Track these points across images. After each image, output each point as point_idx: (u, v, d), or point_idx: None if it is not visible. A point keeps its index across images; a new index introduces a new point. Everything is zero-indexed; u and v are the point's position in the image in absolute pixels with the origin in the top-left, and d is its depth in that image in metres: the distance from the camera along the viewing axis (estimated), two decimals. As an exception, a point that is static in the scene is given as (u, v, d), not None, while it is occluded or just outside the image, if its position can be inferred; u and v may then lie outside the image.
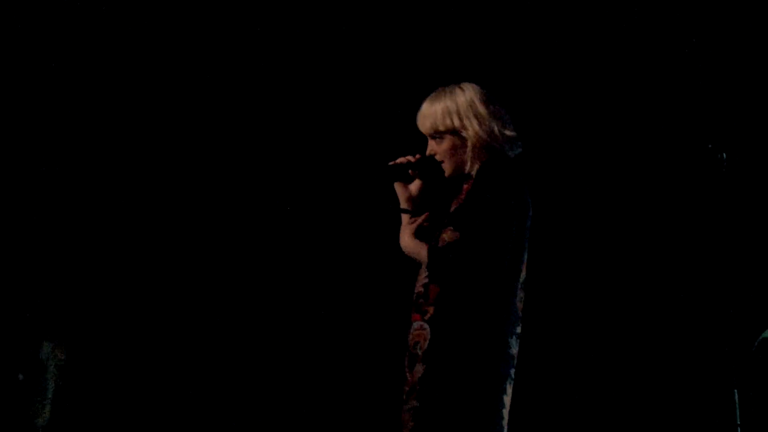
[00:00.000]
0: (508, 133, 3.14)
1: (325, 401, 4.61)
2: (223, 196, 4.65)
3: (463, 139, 3.14)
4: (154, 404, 4.52)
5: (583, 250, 4.66)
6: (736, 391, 3.96)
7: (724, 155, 4.00)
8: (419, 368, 3.00)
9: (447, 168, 3.16)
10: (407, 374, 3.04)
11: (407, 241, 3.14)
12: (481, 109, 3.13)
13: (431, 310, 3.03)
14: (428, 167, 3.15)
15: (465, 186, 3.17)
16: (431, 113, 3.16)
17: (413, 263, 3.14)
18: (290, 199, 4.67)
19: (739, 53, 4.53)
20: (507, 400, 3.00)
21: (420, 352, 3.02)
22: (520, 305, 3.08)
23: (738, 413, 3.92)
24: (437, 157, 3.16)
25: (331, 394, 4.61)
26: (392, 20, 4.64)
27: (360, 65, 4.67)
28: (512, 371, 3.03)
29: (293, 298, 4.66)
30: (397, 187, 3.19)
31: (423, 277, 3.10)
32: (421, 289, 3.07)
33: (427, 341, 3.02)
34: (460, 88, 3.17)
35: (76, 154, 4.55)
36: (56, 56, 4.53)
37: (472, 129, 3.11)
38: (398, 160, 3.15)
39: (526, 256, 3.11)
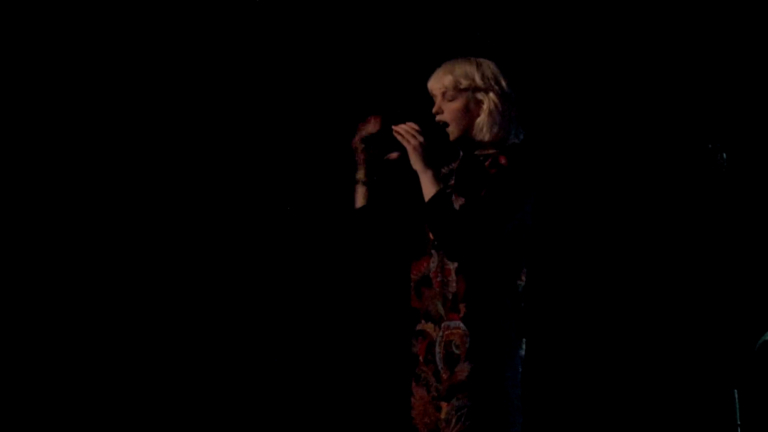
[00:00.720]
0: (516, 116, 3.13)
1: (325, 400, 4.61)
2: (222, 196, 4.65)
3: (479, 103, 3.09)
4: (154, 404, 4.52)
5: (583, 251, 4.66)
6: (736, 391, 3.97)
7: (724, 155, 4.00)
8: (465, 366, 2.99)
9: (453, 131, 3.10)
10: (442, 372, 3.02)
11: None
12: (504, 82, 3.11)
13: (463, 307, 3.02)
14: (431, 130, 3.07)
15: (485, 162, 3.10)
16: (452, 71, 3.10)
17: (413, 260, 3.13)
18: (290, 198, 4.67)
19: (739, 53, 4.53)
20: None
21: (459, 351, 3.00)
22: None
23: (738, 413, 3.92)
24: (443, 117, 3.10)
25: (332, 393, 4.61)
26: (391, 17, 4.65)
27: (356, 64, 4.67)
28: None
29: (293, 296, 4.65)
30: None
31: (436, 269, 3.08)
32: (455, 287, 3.04)
33: (467, 339, 3.00)
34: (484, 60, 3.14)
35: (76, 154, 4.55)
36: (56, 56, 4.53)
37: (493, 93, 3.08)
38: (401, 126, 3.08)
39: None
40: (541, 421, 3.40)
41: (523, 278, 3.06)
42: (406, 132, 3.03)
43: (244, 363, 4.60)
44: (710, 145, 4.05)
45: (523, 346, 3.05)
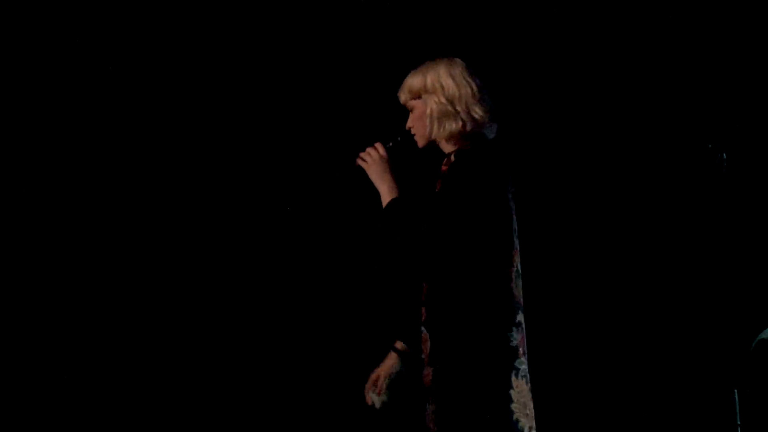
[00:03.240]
0: (476, 109, 3.14)
1: (326, 401, 4.61)
2: (222, 196, 4.65)
3: (428, 106, 3.17)
4: (154, 404, 4.52)
5: (583, 250, 4.66)
6: (736, 391, 3.96)
7: (724, 155, 4.00)
8: (428, 371, 3.01)
9: (419, 139, 3.19)
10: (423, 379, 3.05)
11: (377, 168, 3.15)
12: (450, 80, 3.15)
13: (424, 311, 3.04)
14: (400, 146, 3.17)
15: (443, 167, 3.16)
16: (405, 83, 3.22)
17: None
18: (290, 198, 4.67)
19: (739, 53, 4.53)
20: (515, 393, 2.98)
21: (424, 356, 3.03)
22: (517, 293, 3.06)
23: (738, 413, 3.92)
24: (412, 130, 3.19)
25: (333, 394, 4.60)
26: (391, 18, 4.65)
27: (357, 65, 4.67)
28: (518, 363, 3.01)
29: (293, 298, 4.65)
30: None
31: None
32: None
33: (428, 343, 3.03)
34: (436, 61, 3.21)
35: (76, 154, 4.55)
36: (56, 56, 4.53)
37: (437, 94, 3.14)
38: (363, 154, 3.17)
39: (517, 244, 3.10)
40: (540, 421, 3.40)
41: (512, 272, 3.05)
42: (363, 155, 3.16)
43: (240, 363, 4.60)
44: (710, 145, 4.05)
45: (512, 339, 3.02)
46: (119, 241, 4.57)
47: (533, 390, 3.12)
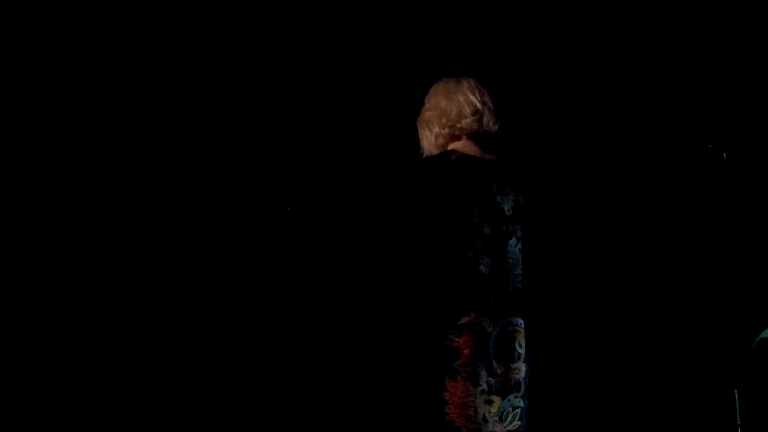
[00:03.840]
0: (442, 122, 3.27)
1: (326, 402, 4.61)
2: (222, 196, 4.65)
3: None
4: (154, 404, 4.52)
5: (583, 250, 4.66)
6: (736, 391, 3.97)
7: (724, 155, 4.00)
8: None
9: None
10: None
11: None
12: (427, 103, 3.33)
13: None
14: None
15: None
16: None
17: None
18: (290, 199, 4.67)
19: (739, 53, 4.53)
20: (450, 395, 2.97)
21: None
22: (462, 294, 3.04)
23: (738, 413, 3.92)
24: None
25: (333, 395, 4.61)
26: (392, 18, 4.65)
27: (359, 64, 4.67)
28: (460, 364, 3.00)
29: (293, 299, 4.65)
30: None
31: None
32: None
33: None
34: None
35: (76, 155, 4.56)
36: (56, 56, 4.53)
37: (419, 123, 3.36)
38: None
39: (477, 245, 3.10)
40: (540, 421, 3.40)
41: (445, 273, 3.06)
42: None
43: (241, 363, 4.61)
44: (710, 145, 4.05)
45: (451, 340, 3.03)
46: (120, 241, 4.57)
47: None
